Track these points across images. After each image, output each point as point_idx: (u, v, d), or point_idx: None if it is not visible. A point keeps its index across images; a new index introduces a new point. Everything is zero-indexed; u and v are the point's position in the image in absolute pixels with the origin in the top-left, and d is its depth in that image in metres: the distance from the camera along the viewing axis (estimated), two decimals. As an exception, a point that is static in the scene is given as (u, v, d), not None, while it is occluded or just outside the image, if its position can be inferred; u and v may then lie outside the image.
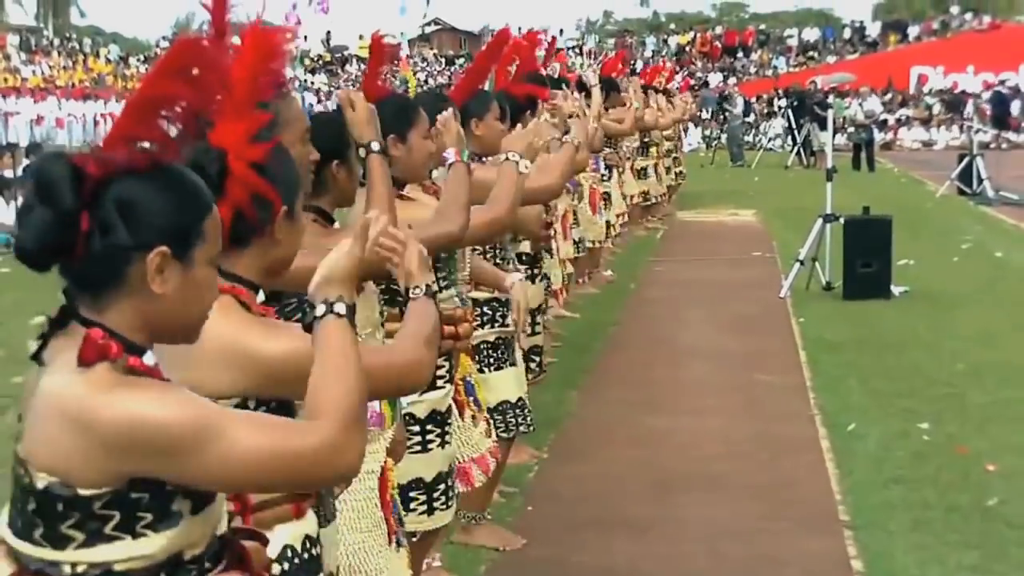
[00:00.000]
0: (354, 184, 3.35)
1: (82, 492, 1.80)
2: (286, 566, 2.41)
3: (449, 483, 4.20)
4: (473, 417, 4.68)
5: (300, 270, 2.38)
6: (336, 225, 3.36)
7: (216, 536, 1.94)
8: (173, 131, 1.92)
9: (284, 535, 2.42)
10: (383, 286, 3.78)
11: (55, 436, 1.80)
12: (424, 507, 4.11)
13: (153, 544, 1.83)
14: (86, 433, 1.78)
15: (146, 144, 1.89)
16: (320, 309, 2.00)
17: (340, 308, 2.00)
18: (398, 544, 3.38)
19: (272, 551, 2.23)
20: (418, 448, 4.05)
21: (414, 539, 3.92)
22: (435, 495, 4.13)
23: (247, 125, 2.32)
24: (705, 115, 35.70)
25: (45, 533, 1.83)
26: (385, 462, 3.42)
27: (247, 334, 2.23)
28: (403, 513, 3.66)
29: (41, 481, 1.81)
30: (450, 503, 4.20)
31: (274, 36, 2.40)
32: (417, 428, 4.07)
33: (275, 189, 2.32)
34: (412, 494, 4.04)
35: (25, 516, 1.84)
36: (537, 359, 6.50)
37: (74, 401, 1.79)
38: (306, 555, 2.44)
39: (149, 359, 1.88)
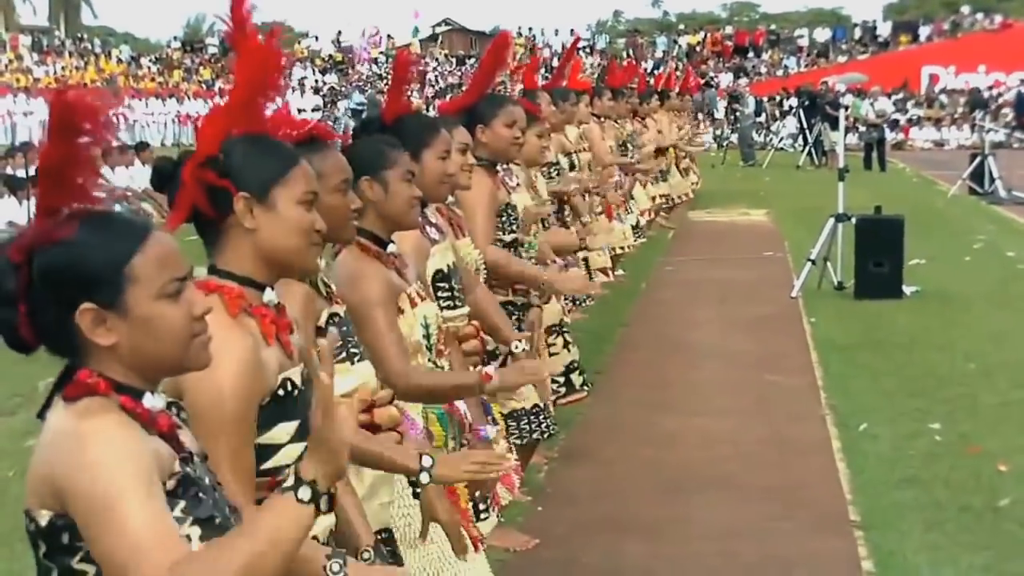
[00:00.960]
0: (397, 203, 3.37)
1: None
2: None
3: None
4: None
5: None
6: (391, 248, 3.40)
7: None
8: (91, 182, 1.92)
9: None
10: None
11: (44, 468, 1.80)
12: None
13: None
14: (58, 452, 1.78)
15: (68, 208, 1.89)
16: (290, 479, 1.84)
17: (304, 493, 1.81)
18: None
19: None
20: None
21: None
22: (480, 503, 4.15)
23: (222, 124, 2.32)
24: (718, 115, 35.69)
25: (60, 573, 1.81)
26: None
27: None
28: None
29: (43, 518, 1.80)
30: (490, 511, 4.22)
31: (269, 44, 2.37)
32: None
33: (229, 179, 2.29)
34: None
35: (41, 568, 1.82)
36: (562, 379, 6.39)
37: (54, 429, 1.81)
38: None
39: (149, 401, 1.87)
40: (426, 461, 2.90)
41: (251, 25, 2.40)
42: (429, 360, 3.51)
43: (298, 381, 2.33)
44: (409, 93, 3.86)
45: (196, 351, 1.93)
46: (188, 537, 1.82)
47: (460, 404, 3.70)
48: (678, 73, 21.15)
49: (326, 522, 2.43)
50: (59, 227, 1.86)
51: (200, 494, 1.87)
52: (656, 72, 27.41)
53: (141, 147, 20.11)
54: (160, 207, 15.10)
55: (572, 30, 46.95)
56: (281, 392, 2.29)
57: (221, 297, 2.26)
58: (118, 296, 1.85)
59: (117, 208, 1.99)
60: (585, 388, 6.47)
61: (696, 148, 14.22)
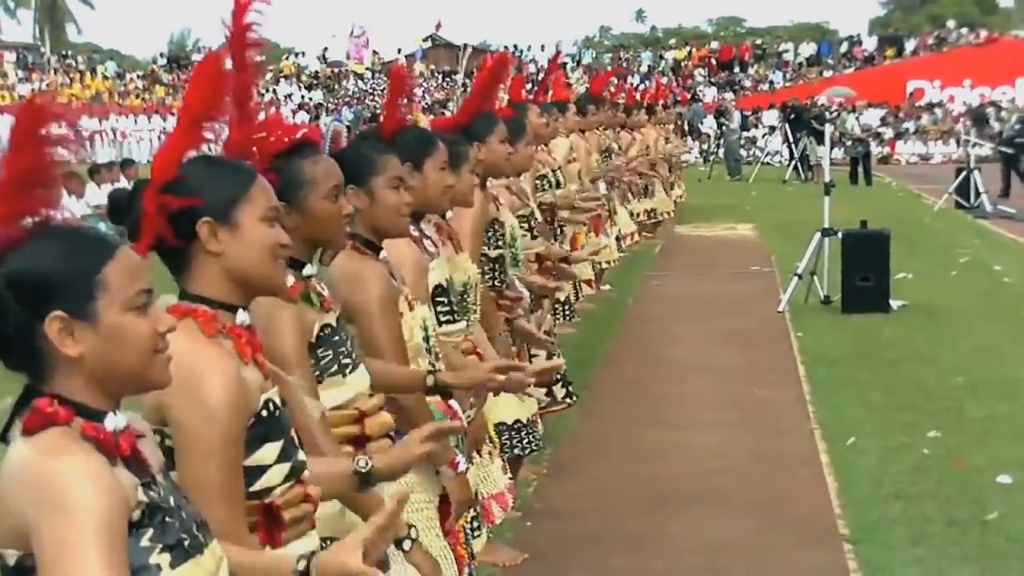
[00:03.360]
0: (384, 210, 3.35)
1: None
2: None
3: (478, 509, 4.20)
4: (490, 453, 4.68)
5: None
6: (383, 255, 3.39)
7: None
8: (54, 192, 1.87)
9: None
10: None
11: (11, 506, 1.75)
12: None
13: None
14: (25, 491, 1.74)
15: (30, 218, 1.85)
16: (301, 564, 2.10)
17: None
18: None
19: None
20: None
21: None
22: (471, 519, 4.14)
23: (175, 149, 2.28)
24: (704, 129, 35.77)
25: None
26: (444, 490, 3.42)
27: (187, 358, 2.12)
28: (472, 544, 3.65)
29: (11, 557, 1.76)
30: (482, 528, 4.21)
31: (219, 63, 2.35)
32: None
33: (190, 203, 2.25)
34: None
35: None
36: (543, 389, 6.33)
37: (18, 465, 1.76)
38: None
39: (111, 422, 1.83)
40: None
41: (246, 40, 2.39)
42: (429, 363, 3.50)
43: (278, 401, 2.31)
44: (404, 107, 3.84)
45: (160, 367, 1.91)
46: (158, 566, 1.80)
47: (457, 406, 3.68)
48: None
49: None
50: (28, 235, 1.83)
51: (167, 518, 1.84)
52: (643, 87, 27.45)
53: (127, 164, 20.09)
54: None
55: (558, 44, 47.04)
56: (264, 413, 2.27)
57: (195, 319, 2.24)
58: (88, 304, 1.82)
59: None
60: (568, 401, 6.43)
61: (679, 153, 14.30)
